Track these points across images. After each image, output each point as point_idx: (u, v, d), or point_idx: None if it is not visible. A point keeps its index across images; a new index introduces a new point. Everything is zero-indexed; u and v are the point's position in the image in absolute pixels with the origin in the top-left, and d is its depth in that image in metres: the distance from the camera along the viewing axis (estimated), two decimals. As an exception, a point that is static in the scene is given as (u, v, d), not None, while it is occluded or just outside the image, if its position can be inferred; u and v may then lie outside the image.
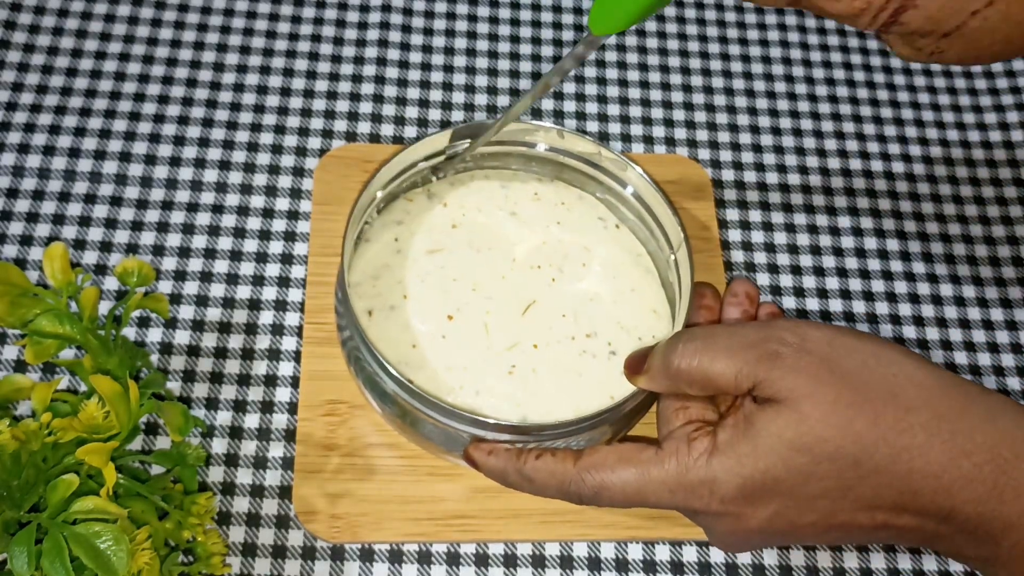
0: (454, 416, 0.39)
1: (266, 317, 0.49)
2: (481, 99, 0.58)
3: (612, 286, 0.46)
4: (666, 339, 0.37)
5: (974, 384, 0.33)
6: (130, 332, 0.49)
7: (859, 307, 0.53)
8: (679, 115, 0.59)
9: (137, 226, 0.51)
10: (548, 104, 0.58)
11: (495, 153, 0.49)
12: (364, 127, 0.56)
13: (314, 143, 0.55)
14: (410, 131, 0.56)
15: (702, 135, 0.58)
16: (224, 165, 0.54)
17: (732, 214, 0.55)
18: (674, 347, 0.36)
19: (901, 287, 0.54)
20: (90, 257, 0.50)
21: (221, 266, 0.51)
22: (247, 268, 0.51)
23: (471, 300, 0.45)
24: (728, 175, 0.57)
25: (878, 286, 0.54)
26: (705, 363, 0.34)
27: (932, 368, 0.33)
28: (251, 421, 0.47)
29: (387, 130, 0.56)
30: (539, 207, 0.49)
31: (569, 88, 0.59)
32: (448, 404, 0.39)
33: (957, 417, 0.31)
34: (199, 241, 0.51)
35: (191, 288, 0.50)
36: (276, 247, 0.52)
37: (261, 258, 0.51)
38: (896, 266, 0.55)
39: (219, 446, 0.46)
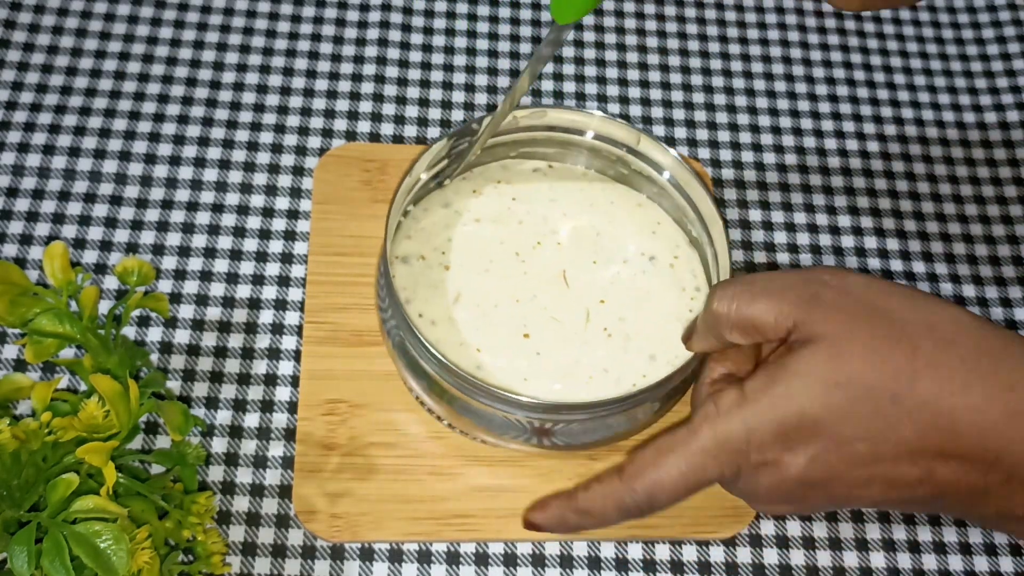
0: (516, 404, 0.38)
1: (266, 316, 0.49)
2: (481, 99, 0.58)
3: (652, 271, 0.46)
4: None
5: (1011, 331, 0.33)
6: (130, 331, 0.48)
7: (859, 306, 0.53)
8: (679, 115, 0.59)
9: (137, 225, 0.51)
10: (548, 103, 0.58)
11: (536, 140, 0.48)
12: (364, 126, 0.56)
13: (314, 142, 0.55)
14: (410, 130, 0.56)
15: (702, 135, 0.58)
16: (224, 164, 0.54)
17: (732, 213, 0.55)
18: (713, 293, 0.35)
19: (901, 286, 0.54)
20: (90, 256, 0.50)
21: (221, 265, 0.51)
22: (247, 267, 0.51)
23: (516, 292, 0.45)
24: (728, 174, 0.57)
25: (878, 285, 0.54)
26: (744, 305, 0.34)
27: (970, 312, 0.32)
28: (251, 420, 0.47)
29: (387, 129, 0.56)
30: (581, 194, 0.48)
31: (569, 88, 0.59)
32: (509, 391, 0.38)
33: (999, 353, 0.30)
34: (199, 240, 0.51)
35: (191, 287, 0.50)
36: (276, 246, 0.52)
37: (261, 257, 0.51)
38: (896, 265, 0.55)
39: (219, 445, 0.46)
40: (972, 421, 0.30)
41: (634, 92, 0.59)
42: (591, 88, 0.59)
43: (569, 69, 0.60)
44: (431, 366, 0.40)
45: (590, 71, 0.60)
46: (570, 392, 0.42)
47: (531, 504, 0.37)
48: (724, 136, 0.58)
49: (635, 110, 0.58)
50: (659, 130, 0.58)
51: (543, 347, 0.43)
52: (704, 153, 0.57)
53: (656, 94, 0.59)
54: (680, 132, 0.58)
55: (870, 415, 0.30)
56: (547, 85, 0.59)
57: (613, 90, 0.59)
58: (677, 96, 0.59)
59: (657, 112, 0.59)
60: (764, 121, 0.59)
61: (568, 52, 0.61)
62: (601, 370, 0.43)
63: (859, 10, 0.34)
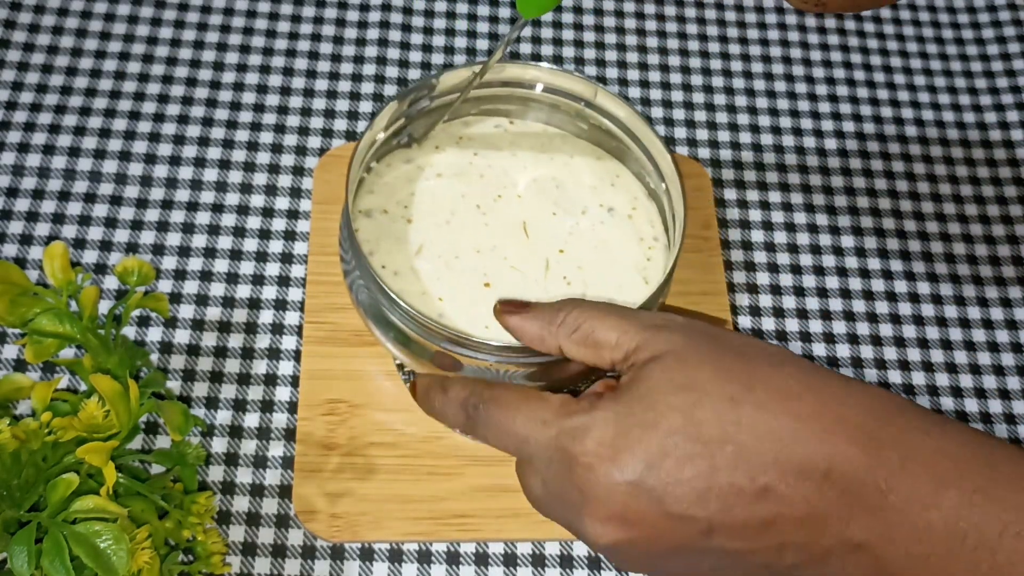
0: (475, 347, 0.39)
1: (266, 316, 0.49)
2: (481, 98, 0.58)
3: (611, 222, 0.47)
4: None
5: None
6: (130, 331, 0.49)
7: (859, 306, 0.53)
8: (679, 115, 0.59)
9: (137, 225, 0.51)
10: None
11: (497, 96, 0.48)
12: (364, 126, 0.56)
13: (314, 142, 0.55)
14: (410, 130, 0.56)
15: (702, 134, 0.58)
16: (224, 164, 0.54)
17: (732, 213, 0.55)
18: (566, 302, 0.36)
19: (901, 286, 0.54)
20: (90, 256, 0.50)
21: (221, 265, 0.51)
22: (247, 267, 0.51)
23: (478, 237, 0.45)
24: (728, 174, 0.57)
25: (878, 285, 0.54)
26: (595, 315, 0.35)
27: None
28: (251, 420, 0.47)
29: (387, 129, 0.56)
30: (541, 148, 0.49)
31: (569, 87, 0.59)
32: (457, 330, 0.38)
33: (829, 376, 0.32)
34: (199, 240, 0.51)
35: (191, 287, 0.50)
36: (276, 246, 0.52)
37: (261, 257, 0.51)
38: (896, 265, 0.55)
39: (219, 445, 0.46)
40: (806, 427, 0.30)
41: (634, 92, 0.59)
42: (591, 88, 0.59)
43: (569, 69, 0.60)
44: (395, 315, 0.40)
45: (590, 71, 0.60)
46: None
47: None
48: (724, 136, 0.58)
49: (635, 110, 0.58)
50: (659, 130, 0.58)
51: (504, 295, 0.44)
52: (704, 153, 0.57)
53: (656, 94, 0.59)
54: (680, 132, 0.58)
55: (711, 418, 0.31)
56: (547, 85, 0.59)
57: (613, 90, 0.59)
58: (677, 96, 0.59)
59: (657, 112, 0.59)
60: (764, 121, 0.59)
61: (568, 52, 0.61)
62: None
63: (814, 11, 0.34)
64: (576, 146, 0.49)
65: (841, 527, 0.30)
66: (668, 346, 0.33)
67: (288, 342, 0.49)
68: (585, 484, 0.32)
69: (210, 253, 0.51)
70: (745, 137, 0.58)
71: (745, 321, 0.52)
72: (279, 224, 0.52)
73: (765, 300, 0.53)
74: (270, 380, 0.48)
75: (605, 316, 0.35)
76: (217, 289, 0.50)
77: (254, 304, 0.50)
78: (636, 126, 0.46)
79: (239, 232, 0.52)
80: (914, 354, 0.52)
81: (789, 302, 0.53)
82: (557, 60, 0.60)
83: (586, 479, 0.32)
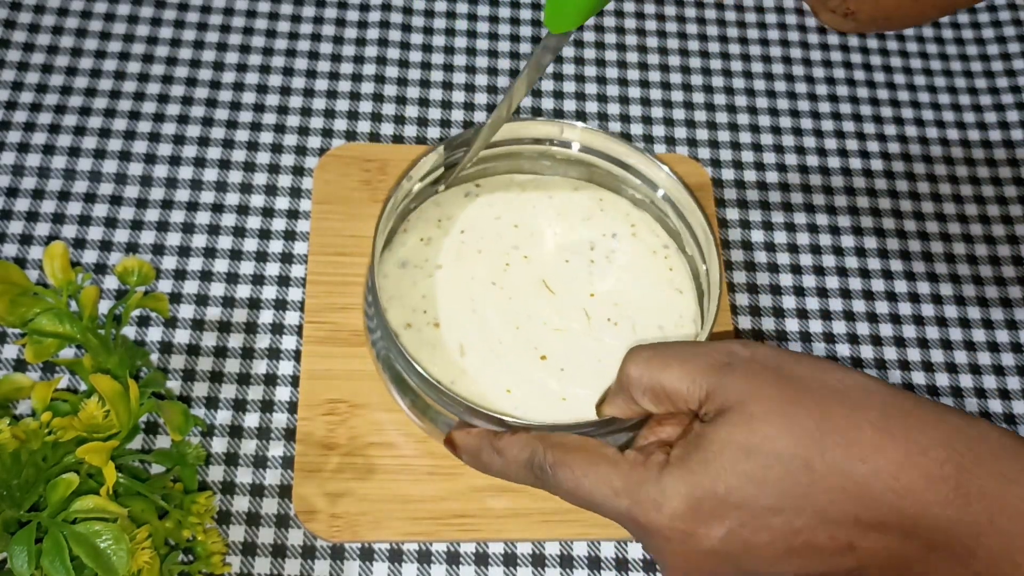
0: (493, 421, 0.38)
1: (266, 316, 0.49)
2: (481, 98, 0.58)
3: (620, 247, 0.46)
4: None
5: (919, 396, 0.33)
6: (130, 331, 0.49)
7: (859, 306, 0.53)
8: (679, 114, 0.59)
9: (137, 225, 0.51)
10: (548, 103, 0.58)
11: (518, 152, 0.48)
12: (364, 126, 0.56)
13: (314, 142, 0.55)
14: (410, 130, 0.56)
15: (702, 134, 0.58)
16: (224, 164, 0.54)
17: (732, 213, 0.55)
18: (627, 356, 0.36)
19: (901, 286, 0.54)
20: (90, 256, 0.50)
21: (221, 265, 0.51)
22: (247, 267, 0.51)
23: (508, 305, 0.44)
24: (728, 174, 0.57)
25: (878, 285, 0.54)
26: (656, 370, 0.34)
27: (877, 379, 0.32)
28: (251, 420, 0.47)
29: (387, 129, 0.56)
30: (518, 200, 0.48)
31: (569, 88, 0.59)
32: (495, 412, 0.38)
33: (907, 415, 0.30)
34: (199, 240, 0.51)
35: (191, 287, 0.50)
36: (276, 246, 0.52)
37: (261, 257, 0.51)
38: (896, 265, 0.55)
39: (219, 445, 0.46)
40: (887, 486, 0.29)
41: (634, 92, 0.59)
42: (591, 88, 0.59)
43: (569, 69, 0.60)
44: (474, 421, 0.39)
45: (590, 71, 0.60)
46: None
47: (458, 424, 0.38)
48: (724, 136, 0.58)
49: (635, 110, 0.58)
50: (659, 130, 0.58)
51: (564, 361, 0.43)
52: (704, 153, 0.57)
53: (656, 94, 0.59)
54: (680, 132, 0.58)
55: (784, 484, 0.30)
56: (547, 85, 0.59)
57: (613, 90, 0.59)
58: (677, 96, 0.59)
59: (657, 112, 0.59)
60: (764, 121, 0.59)
61: (568, 52, 0.61)
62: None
63: (847, 29, 0.34)
64: (550, 185, 0.48)
65: (927, 573, 0.30)
66: (735, 396, 0.32)
67: (288, 342, 0.49)
68: (662, 553, 0.32)
69: (210, 253, 0.51)
70: (745, 137, 0.58)
71: (745, 321, 0.52)
72: (279, 224, 0.52)
73: (765, 300, 0.53)
74: (270, 380, 0.48)
75: (667, 366, 0.34)
76: (217, 289, 0.50)
77: (254, 304, 0.50)
78: (592, 140, 0.45)
79: (239, 232, 0.52)
80: (914, 354, 0.52)
81: (789, 302, 0.53)
82: (556, 60, 0.60)
83: (663, 549, 0.32)
